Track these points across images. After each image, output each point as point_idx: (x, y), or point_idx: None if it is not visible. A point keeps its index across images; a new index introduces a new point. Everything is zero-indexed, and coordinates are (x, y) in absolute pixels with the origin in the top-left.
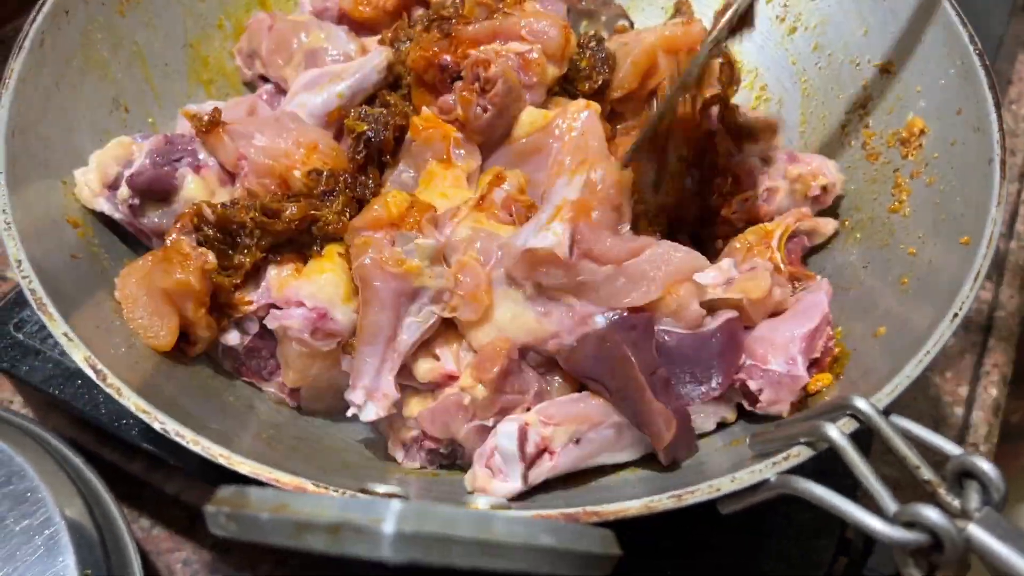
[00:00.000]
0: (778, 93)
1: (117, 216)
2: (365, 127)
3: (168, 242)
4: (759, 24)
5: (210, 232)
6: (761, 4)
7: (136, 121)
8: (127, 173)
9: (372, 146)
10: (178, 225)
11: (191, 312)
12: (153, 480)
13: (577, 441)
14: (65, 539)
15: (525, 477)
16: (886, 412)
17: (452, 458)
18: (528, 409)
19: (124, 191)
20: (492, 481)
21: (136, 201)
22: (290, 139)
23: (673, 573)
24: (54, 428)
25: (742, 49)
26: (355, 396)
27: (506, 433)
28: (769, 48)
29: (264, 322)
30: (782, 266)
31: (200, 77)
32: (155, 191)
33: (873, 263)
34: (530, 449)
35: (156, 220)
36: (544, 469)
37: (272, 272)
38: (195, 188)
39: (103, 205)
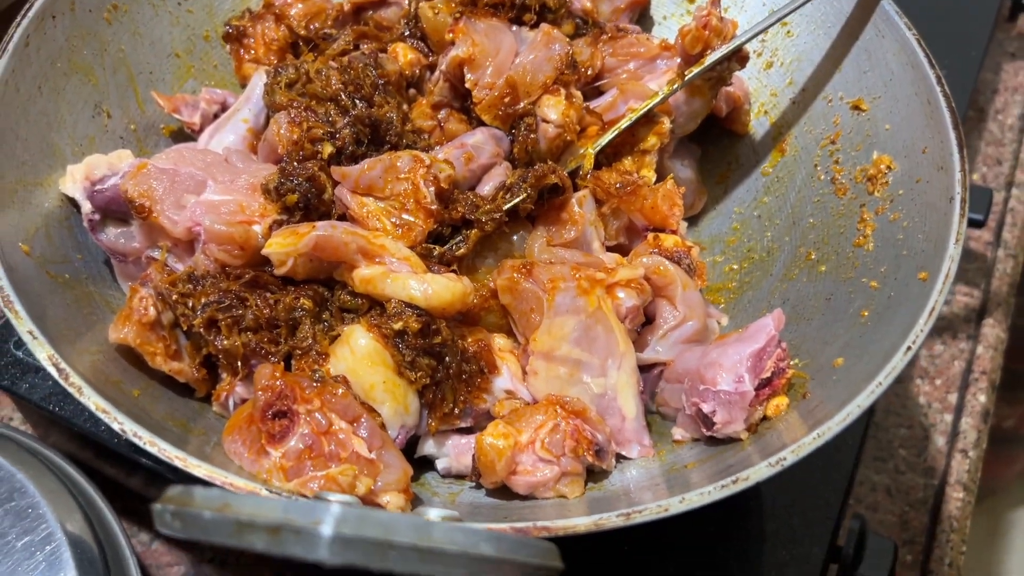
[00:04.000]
0: (753, 124)
1: (84, 211)
2: (296, 196)
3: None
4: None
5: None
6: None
7: (118, 127)
8: (93, 188)
9: (311, 208)
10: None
11: (155, 364)
12: (152, 495)
13: None
14: (66, 554)
15: None
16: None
17: None
18: None
19: (86, 205)
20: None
21: (96, 217)
22: (243, 185)
23: None
24: (54, 444)
25: None
26: None
27: None
28: (748, 80)
29: None
30: None
31: (184, 86)
32: (114, 211)
33: (836, 295)
34: None
35: (112, 239)
36: None
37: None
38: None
39: (75, 193)
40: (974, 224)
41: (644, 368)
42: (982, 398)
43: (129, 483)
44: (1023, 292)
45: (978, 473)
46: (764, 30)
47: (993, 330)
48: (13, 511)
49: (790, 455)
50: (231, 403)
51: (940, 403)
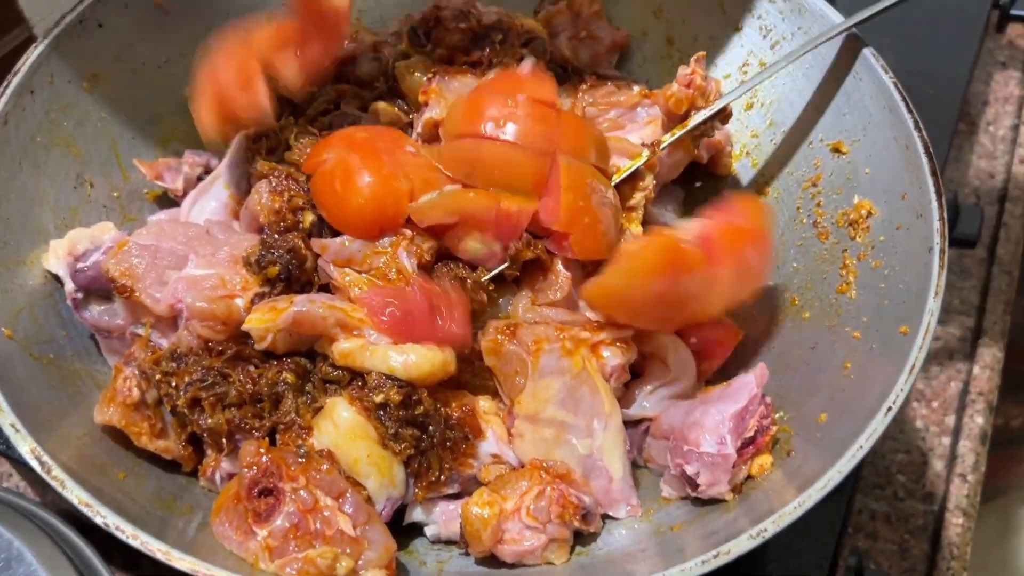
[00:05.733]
0: (735, 166)
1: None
2: (277, 269)
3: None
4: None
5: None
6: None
7: (101, 196)
8: (75, 266)
9: (293, 279)
10: (123, 360)
11: (140, 444)
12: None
13: None
14: None
15: None
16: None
17: None
18: None
19: (69, 284)
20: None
21: (79, 295)
22: (224, 258)
23: None
24: (51, 503)
25: None
26: None
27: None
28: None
29: None
30: None
31: (168, 148)
32: (97, 289)
33: (820, 344)
34: None
35: (96, 316)
36: None
37: None
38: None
39: (59, 270)
40: (966, 244)
41: (631, 423)
42: (979, 420)
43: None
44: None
45: (977, 498)
46: (749, 89)
47: (989, 350)
48: None
49: (771, 526)
50: (217, 478)
51: (938, 426)
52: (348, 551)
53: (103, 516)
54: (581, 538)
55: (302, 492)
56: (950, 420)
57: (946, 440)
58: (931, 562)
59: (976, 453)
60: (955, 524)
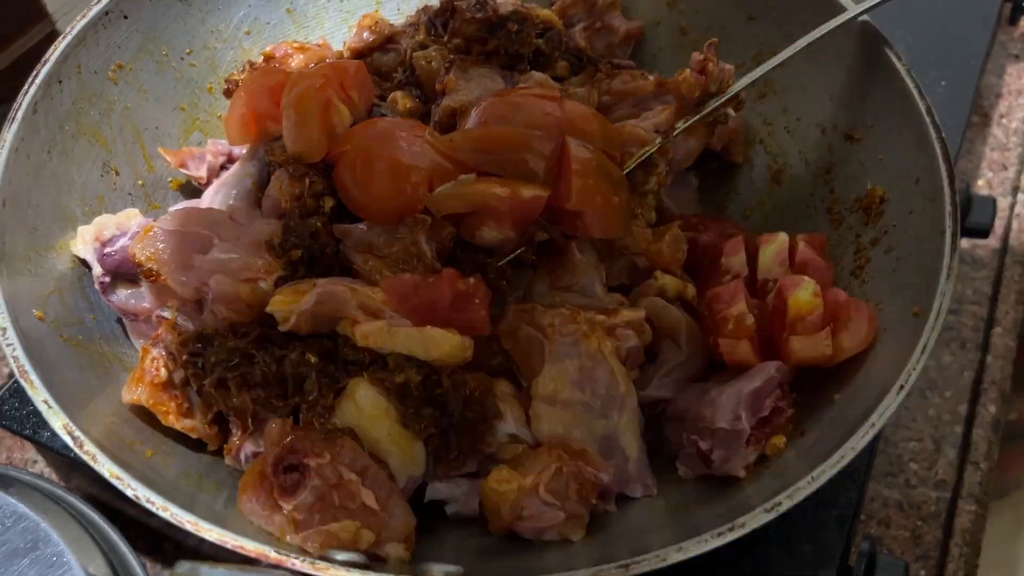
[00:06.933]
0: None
1: (95, 274)
2: (300, 252)
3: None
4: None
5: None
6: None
7: (127, 184)
8: (103, 251)
9: (315, 263)
10: (150, 341)
11: (168, 423)
12: (173, 534)
13: None
14: None
15: None
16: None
17: None
18: None
19: (97, 268)
20: None
21: (107, 279)
22: (248, 242)
23: None
24: (76, 488)
25: None
26: None
27: None
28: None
29: None
30: None
31: (190, 138)
32: (124, 273)
33: None
34: None
35: (123, 300)
36: None
37: None
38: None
39: (86, 255)
40: (979, 233)
41: (646, 405)
42: (992, 408)
43: (150, 523)
44: None
45: (990, 485)
46: (762, 75)
47: (1002, 339)
48: (39, 560)
49: (786, 500)
50: (243, 457)
51: (950, 415)
52: (371, 525)
53: (133, 489)
54: (597, 516)
55: (327, 468)
56: (962, 409)
57: (958, 428)
58: (943, 548)
59: (989, 441)
60: (968, 511)
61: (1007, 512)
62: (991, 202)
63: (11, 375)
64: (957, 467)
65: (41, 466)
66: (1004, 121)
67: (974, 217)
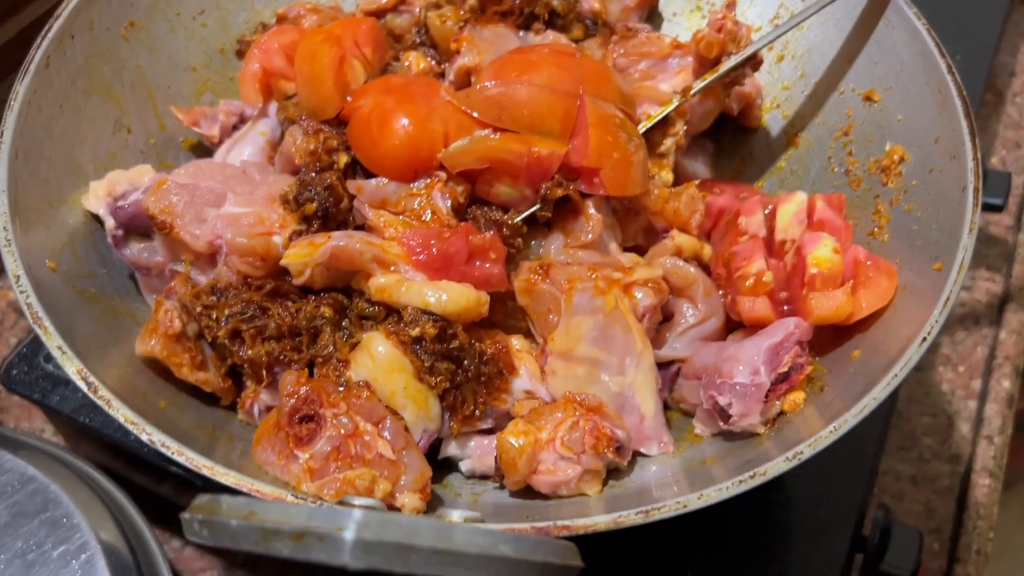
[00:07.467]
0: (766, 118)
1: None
2: (315, 206)
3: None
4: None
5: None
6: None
7: (138, 142)
8: (115, 205)
9: (329, 217)
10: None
11: (181, 375)
12: (182, 502)
13: None
14: (101, 562)
15: None
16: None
17: None
18: None
19: (110, 222)
20: None
21: (120, 232)
22: (262, 197)
23: (692, 572)
24: (85, 455)
25: None
26: None
27: None
28: (759, 75)
29: None
30: None
31: (202, 98)
32: (137, 226)
33: None
34: None
35: (136, 253)
36: None
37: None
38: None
39: (99, 209)
40: (993, 208)
41: (662, 365)
42: (1006, 384)
43: (159, 491)
44: None
45: (1004, 459)
46: (780, 35)
47: (1016, 315)
48: (48, 522)
49: (807, 449)
50: (256, 410)
51: (964, 390)
52: (386, 474)
53: (148, 434)
54: (613, 472)
55: (343, 418)
56: (976, 384)
57: (972, 404)
58: (957, 521)
59: (1003, 416)
60: (982, 484)
61: (1016, 502)
62: (1006, 177)
63: (19, 343)
64: (971, 441)
65: (49, 435)
66: (1018, 100)
67: (988, 192)
